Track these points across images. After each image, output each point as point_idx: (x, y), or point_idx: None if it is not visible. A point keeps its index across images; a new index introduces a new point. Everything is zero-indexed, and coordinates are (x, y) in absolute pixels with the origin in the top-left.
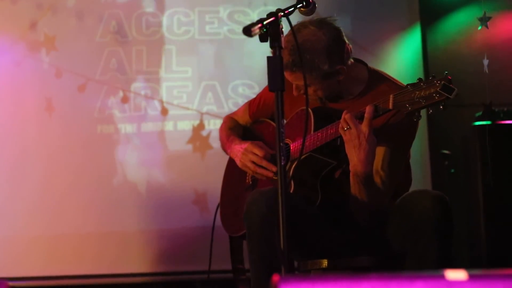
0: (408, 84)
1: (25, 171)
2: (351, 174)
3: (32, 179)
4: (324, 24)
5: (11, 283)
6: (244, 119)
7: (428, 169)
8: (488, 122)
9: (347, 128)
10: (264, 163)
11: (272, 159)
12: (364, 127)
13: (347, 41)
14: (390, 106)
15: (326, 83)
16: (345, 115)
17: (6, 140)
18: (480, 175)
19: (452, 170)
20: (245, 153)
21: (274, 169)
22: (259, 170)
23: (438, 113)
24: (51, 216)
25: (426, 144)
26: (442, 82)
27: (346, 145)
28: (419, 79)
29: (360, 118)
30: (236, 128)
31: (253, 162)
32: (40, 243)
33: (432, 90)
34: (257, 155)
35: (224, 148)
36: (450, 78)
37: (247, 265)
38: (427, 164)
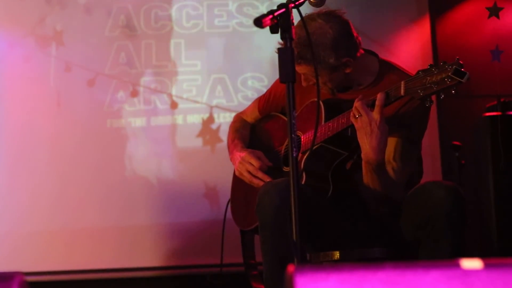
0: (419, 70)
1: (35, 167)
2: (363, 162)
3: (43, 175)
4: (332, 17)
5: (29, 278)
6: (253, 115)
7: (438, 160)
8: (499, 113)
9: (358, 116)
10: (260, 175)
11: (268, 171)
12: (375, 114)
13: (355, 34)
14: (402, 93)
15: (334, 75)
16: (356, 103)
17: (16, 136)
18: (491, 166)
19: (463, 161)
20: (242, 162)
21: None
22: (255, 181)
23: (448, 104)
24: (64, 212)
25: (437, 136)
26: (454, 66)
27: (357, 133)
28: (430, 65)
29: (372, 106)
30: (243, 130)
31: (249, 172)
32: (55, 239)
33: (444, 75)
34: (253, 165)
35: (228, 150)
36: (461, 62)
37: (258, 259)
38: (438, 155)
